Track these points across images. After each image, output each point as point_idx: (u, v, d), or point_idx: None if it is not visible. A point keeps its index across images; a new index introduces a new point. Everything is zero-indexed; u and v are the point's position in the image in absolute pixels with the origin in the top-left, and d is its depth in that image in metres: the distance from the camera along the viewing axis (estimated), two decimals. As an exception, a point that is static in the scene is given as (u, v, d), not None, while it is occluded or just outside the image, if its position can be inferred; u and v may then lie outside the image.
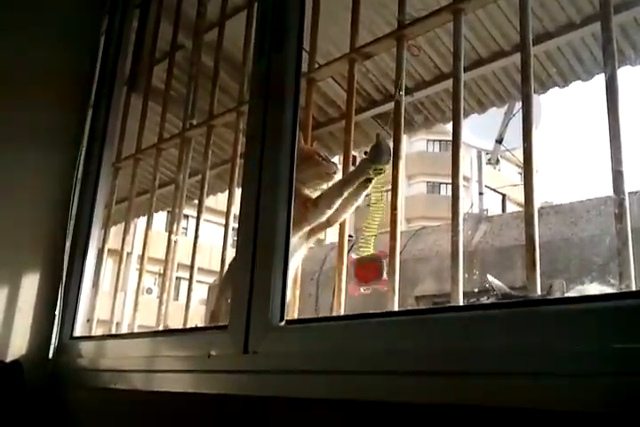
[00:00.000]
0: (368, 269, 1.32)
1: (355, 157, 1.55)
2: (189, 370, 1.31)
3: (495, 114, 3.72)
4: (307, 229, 1.46)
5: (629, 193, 0.96)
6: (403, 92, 1.34)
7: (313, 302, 4.90)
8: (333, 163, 1.51)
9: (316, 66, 1.64)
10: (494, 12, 2.05)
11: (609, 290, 0.92)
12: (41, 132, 1.96)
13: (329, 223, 1.49)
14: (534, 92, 1.53)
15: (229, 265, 1.64)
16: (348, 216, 1.50)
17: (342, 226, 1.49)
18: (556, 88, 2.32)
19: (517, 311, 0.84)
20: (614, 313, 0.73)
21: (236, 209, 1.47)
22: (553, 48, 2.15)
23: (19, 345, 1.77)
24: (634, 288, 0.88)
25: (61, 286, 1.87)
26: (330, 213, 1.44)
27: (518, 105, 2.97)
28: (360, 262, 1.34)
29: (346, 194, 1.42)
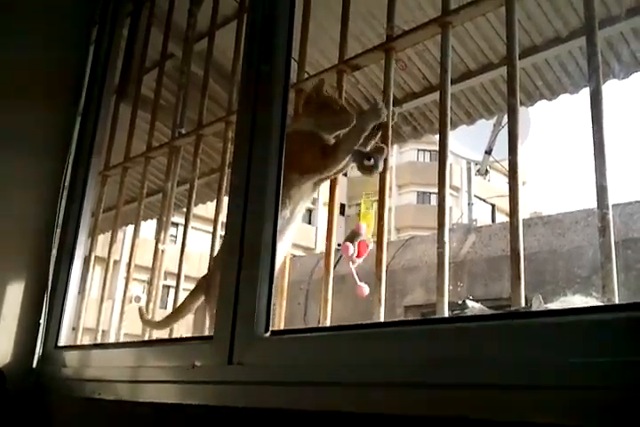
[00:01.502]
0: (360, 246, 1.40)
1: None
2: (174, 380, 1.30)
3: (484, 125, 3.75)
4: (322, 175, 1.50)
5: (614, 205, 0.96)
6: (391, 108, 1.37)
7: (302, 311, 4.90)
8: (350, 113, 1.50)
9: (305, 76, 1.64)
10: (482, 24, 2.06)
11: (593, 302, 0.92)
12: (29, 140, 1.95)
13: (336, 172, 1.52)
14: (522, 105, 1.54)
15: (209, 268, 1.64)
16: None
17: (330, 236, 1.49)
18: (544, 100, 2.34)
19: (502, 324, 0.84)
20: (598, 326, 0.73)
21: (224, 217, 1.47)
22: (541, 61, 2.17)
23: (2, 354, 1.75)
24: (617, 302, 0.89)
25: (46, 295, 1.85)
26: (347, 159, 1.45)
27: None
28: (364, 241, 1.40)
29: (361, 141, 1.43)
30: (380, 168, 1.36)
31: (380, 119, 1.40)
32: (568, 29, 1.98)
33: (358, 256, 1.39)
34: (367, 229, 1.44)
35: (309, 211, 22.37)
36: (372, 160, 1.35)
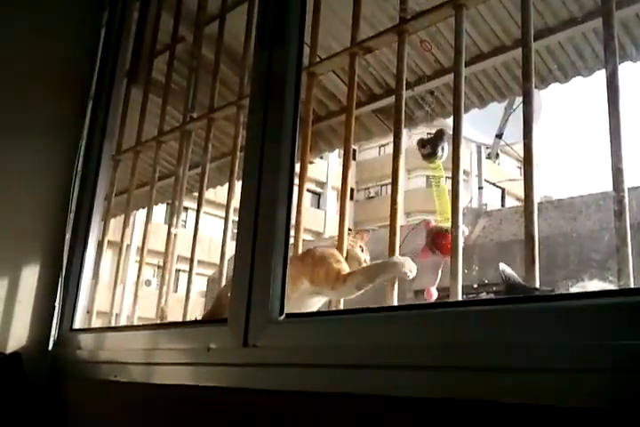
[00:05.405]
0: (446, 241, 1.24)
1: (355, 151, 1.53)
2: (189, 363, 1.31)
3: (495, 108, 3.71)
4: (325, 295, 1.39)
5: (629, 189, 0.96)
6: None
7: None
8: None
9: (317, 59, 1.63)
10: (496, 6, 2.04)
11: (609, 287, 0.92)
12: (41, 125, 1.96)
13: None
14: (535, 88, 1.52)
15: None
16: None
17: (342, 219, 1.49)
18: (557, 83, 2.31)
19: (517, 307, 0.84)
20: (613, 310, 0.73)
21: (236, 202, 1.47)
22: (554, 43, 2.14)
23: (18, 337, 1.78)
24: (632, 286, 0.88)
25: (61, 278, 1.87)
26: (358, 293, 1.31)
27: (518, 100, 2.96)
28: (439, 232, 1.27)
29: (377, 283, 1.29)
30: (441, 154, 1.24)
31: (397, 276, 1.24)
32: (583, 11, 1.96)
33: (444, 253, 1.21)
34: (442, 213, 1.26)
35: (318, 195, 22.34)
36: (428, 147, 1.24)
